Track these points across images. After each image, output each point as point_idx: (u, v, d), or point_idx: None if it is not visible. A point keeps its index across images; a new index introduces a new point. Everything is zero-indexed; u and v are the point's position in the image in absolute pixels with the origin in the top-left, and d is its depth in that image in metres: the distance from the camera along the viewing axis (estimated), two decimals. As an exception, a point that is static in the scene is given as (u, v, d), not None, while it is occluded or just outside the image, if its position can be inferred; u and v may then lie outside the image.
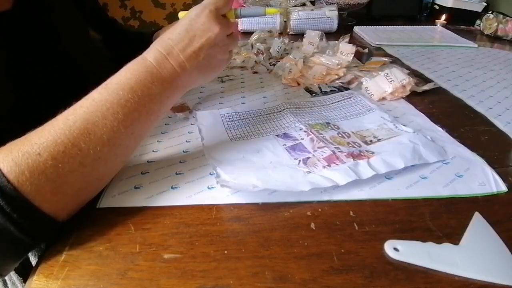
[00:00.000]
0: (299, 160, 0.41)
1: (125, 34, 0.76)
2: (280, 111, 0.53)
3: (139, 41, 0.73)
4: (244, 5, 1.12)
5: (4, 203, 0.28)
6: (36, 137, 0.31)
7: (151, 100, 0.35)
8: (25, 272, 0.31)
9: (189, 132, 0.49)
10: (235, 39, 0.44)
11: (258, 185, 0.36)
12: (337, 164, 0.40)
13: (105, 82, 0.35)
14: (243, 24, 1.02)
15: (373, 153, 0.42)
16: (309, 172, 0.39)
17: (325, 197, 0.37)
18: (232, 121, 0.51)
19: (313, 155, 0.42)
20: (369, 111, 0.54)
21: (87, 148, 0.31)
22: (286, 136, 0.47)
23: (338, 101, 0.58)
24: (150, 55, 0.37)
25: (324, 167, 0.40)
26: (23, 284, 0.33)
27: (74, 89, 0.53)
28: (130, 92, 0.34)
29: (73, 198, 0.33)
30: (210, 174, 0.40)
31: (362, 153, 0.42)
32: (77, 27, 0.59)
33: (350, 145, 0.44)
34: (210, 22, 0.38)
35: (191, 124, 0.52)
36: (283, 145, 0.45)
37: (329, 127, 0.48)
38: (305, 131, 0.47)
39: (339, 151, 0.42)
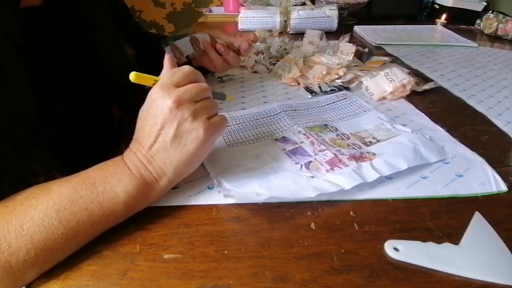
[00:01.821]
0: (301, 165, 0.41)
1: (157, 47, 0.69)
2: (276, 114, 0.53)
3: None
4: (244, 5, 1.12)
5: None
6: None
7: (111, 200, 0.31)
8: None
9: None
10: (212, 105, 0.36)
11: (262, 193, 0.36)
12: (340, 168, 0.39)
13: (76, 174, 0.33)
14: (243, 24, 1.02)
15: (374, 154, 0.42)
16: (312, 177, 0.39)
17: (325, 197, 0.37)
18: (228, 126, 0.49)
19: (315, 158, 0.42)
20: (365, 111, 0.54)
21: (16, 246, 0.28)
22: (285, 140, 0.46)
23: (334, 102, 0.57)
24: (125, 154, 0.35)
25: (327, 171, 0.39)
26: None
27: (99, 102, 0.50)
28: (89, 188, 0.31)
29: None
30: (210, 174, 0.40)
31: (363, 155, 0.42)
32: (115, 41, 0.55)
33: (350, 147, 0.44)
34: (162, 98, 0.33)
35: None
36: (283, 149, 0.44)
37: (328, 129, 0.48)
38: (304, 134, 0.47)
39: (340, 154, 0.42)
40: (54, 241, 0.29)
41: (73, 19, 0.46)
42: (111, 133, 0.52)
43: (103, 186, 0.31)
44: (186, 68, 0.36)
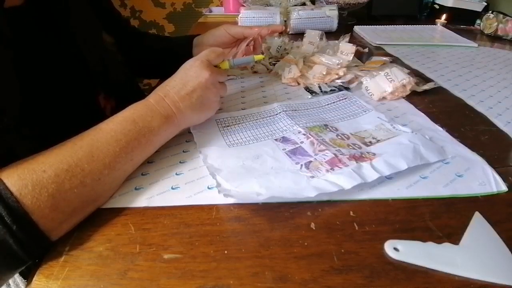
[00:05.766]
0: (301, 165, 0.41)
1: (141, 38, 0.74)
2: (276, 114, 0.53)
3: (162, 48, 0.72)
4: (244, 5, 1.12)
5: (6, 213, 0.29)
6: (42, 157, 0.33)
7: (150, 132, 0.40)
8: (29, 274, 0.31)
9: (188, 132, 0.49)
10: (225, 87, 0.50)
11: (262, 193, 0.36)
12: (340, 168, 0.39)
13: (111, 117, 0.40)
14: (243, 24, 1.02)
15: (374, 154, 0.42)
16: (312, 177, 0.38)
17: (325, 197, 0.37)
18: (228, 126, 0.50)
19: (315, 158, 0.42)
20: (365, 111, 0.54)
21: (89, 169, 0.34)
22: (285, 140, 0.46)
23: (334, 102, 0.57)
24: (151, 97, 0.43)
25: (327, 171, 0.39)
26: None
27: (84, 92, 0.52)
28: (132, 124, 0.39)
29: (68, 217, 0.33)
30: (210, 174, 0.40)
31: (363, 155, 0.42)
32: (91, 29, 0.57)
33: (350, 147, 0.44)
34: (201, 70, 0.45)
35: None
36: (283, 150, 0.44)
37: (328, 129, 0.48)
38: (304, 134, 0.47)
39: (340, 154, 0.42)
40: (119, 162, 0.37)
41: (51, 11, 0.48)
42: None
43: (142, 123, 0.39)
44: (220, 51, 0.49)
